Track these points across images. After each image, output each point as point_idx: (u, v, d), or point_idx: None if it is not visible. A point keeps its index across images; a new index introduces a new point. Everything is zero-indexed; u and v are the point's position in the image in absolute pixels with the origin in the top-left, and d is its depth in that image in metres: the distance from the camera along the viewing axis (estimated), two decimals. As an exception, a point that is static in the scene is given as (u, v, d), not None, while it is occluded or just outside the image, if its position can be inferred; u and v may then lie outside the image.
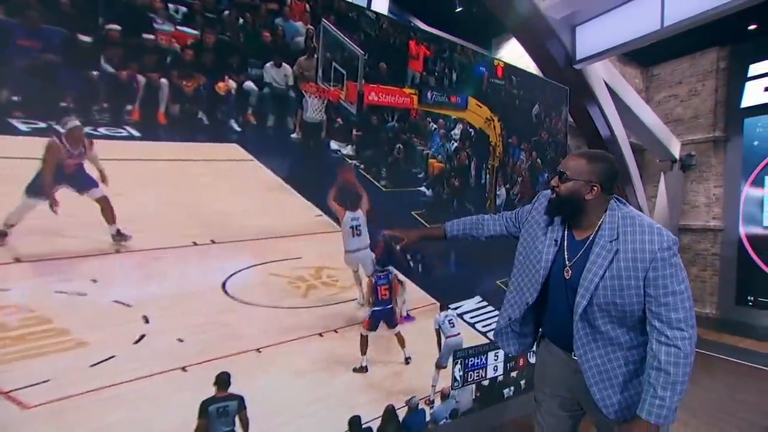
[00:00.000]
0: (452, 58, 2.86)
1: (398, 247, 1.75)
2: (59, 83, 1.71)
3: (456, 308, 2.87)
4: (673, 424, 1.40)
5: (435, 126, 2.79)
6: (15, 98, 1.65)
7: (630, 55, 8.06)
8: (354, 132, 2.48)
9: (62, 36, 1.71)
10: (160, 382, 1.86)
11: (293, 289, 2.28)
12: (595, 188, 1.32)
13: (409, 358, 2.59)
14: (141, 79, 1.84)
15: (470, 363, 2.86)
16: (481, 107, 2.98)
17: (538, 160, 3.46)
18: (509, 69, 3.18)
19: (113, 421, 1.75)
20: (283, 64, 2.21)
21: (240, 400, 2.05)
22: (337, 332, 2.40)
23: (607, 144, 6.14)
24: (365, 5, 3.65)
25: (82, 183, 1.74)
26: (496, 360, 3.02)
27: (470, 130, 2.95)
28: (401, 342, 2.58)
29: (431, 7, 7.39)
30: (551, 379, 1.54)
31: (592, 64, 5.38)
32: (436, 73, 2.78)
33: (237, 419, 2.04)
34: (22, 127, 1.66)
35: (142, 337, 1.84)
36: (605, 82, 5.90)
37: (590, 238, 1.34)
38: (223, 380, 2.00)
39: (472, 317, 2.96)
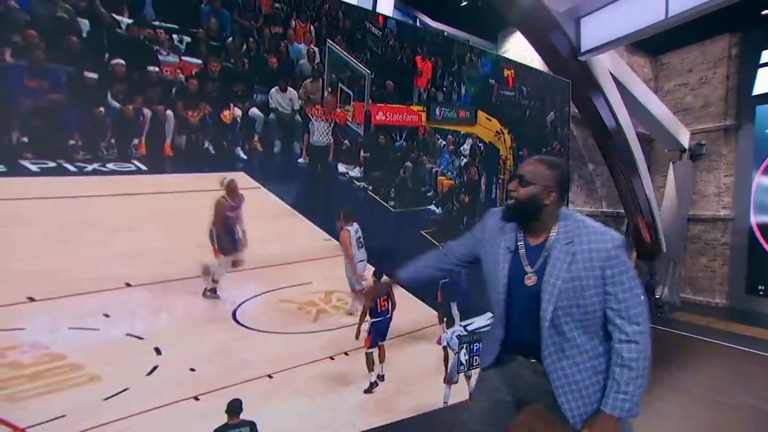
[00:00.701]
0: (461, 71, 2.77)
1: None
2: (66, 121, 1.71)
3: (466, 325, 2.80)
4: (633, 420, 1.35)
5: (444, 142, 2.71)
6: (24, 139, 1.65)
7: (638, 45, 7.77)
8: (362, 153, 2.42)
9: (68, 74, 1.70)
10: (173, 411, 1.86)
11: (304, 314, 2.26)
12: (553, 193, 1.34)
13: (383, 376, 2.47)
14: (147, 112, 1.83)
15: (475, 348, 2.79)
16: (490, 120, 2.88)
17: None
18: (519, 76, 3.06)
19: (128, 454, 1.75)
20: (289, 88, 2.17)
21: (252, 426, 2.03)
22: (347, 354, 2.36)
23: (613, 134, 5.96)
24: (370, 7, 3.57)
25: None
26: None
27: (480, 144, 2.86)
28: (382, 357, 2.47)
29: (437, 2, 7.25)
30: (499, 388, 1.49)
31: (596, 55, 5.20)
32: (444, 88, 2.70)
33: None
34: (32, 167, 1.66)
35: (155, 368, 1.84)
36: (611, 73, 5.70)
37: (546, 243, 1.35)
38: (234, 407, 1.98)
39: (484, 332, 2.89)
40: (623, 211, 7.11)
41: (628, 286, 1.27)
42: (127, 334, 1.80)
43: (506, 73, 2.98)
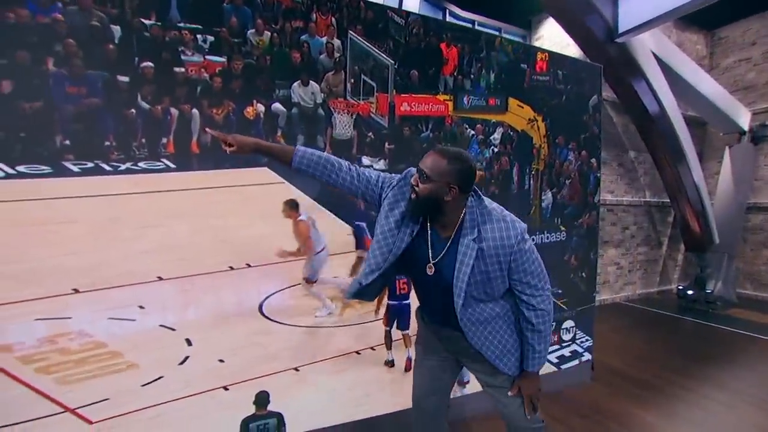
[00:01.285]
0: (489, 56, 2.62)
1: (228, 152, 1.37)
2: (102, 124, 1.77)
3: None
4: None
5: (473, 132, 2.59)
6: (66, 142, 1.73)
7: (690, 19, 7.03)
8: (386, 145, 2.35)
9: (103, 79, 1.76)
10: (204, 400, 1.91)
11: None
12: (454, 190, 1.29)
13: (410, 358, 2.36)
14: (174, 111, 1.86)
15: None
16: (522, 107, 2.71)
17: (592, 160, 3.11)
18: (554, 61, 2.85)
19: (163, 438, 1.83)
20: (311, 82, 2.13)
21: (279, 417, 2.05)
22: (374, 350, 2.33)
23: (656, 120, 5.48)
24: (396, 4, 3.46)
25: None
26: None
27: (511, 133, 2.70)
28: (407, 343, 2.39)
29: (466, -9, 6.98)
30: (434, 345, 1.62)
31: (636, 35, 4.77)
32: (472, 75, 2.56)
33: None
34: (74, 168, 1.74)
35: (186, 358, 1.90)
36: (654, 54, 5.22)
37: (452, 237, 1.36)
38: (262, 399, 2.01)
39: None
40: (668, 200, 6.58)
41: (531, 269, 1.37)
42: (161, 325, 1.86)
43: (539, 56, 2.78)
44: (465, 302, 1.36)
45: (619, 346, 4.27)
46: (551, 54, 2.88)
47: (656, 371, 3.53)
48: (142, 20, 1.83)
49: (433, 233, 1.38)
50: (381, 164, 2.35)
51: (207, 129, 1.49)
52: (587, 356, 3.18)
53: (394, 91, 2.33)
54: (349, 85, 2.22)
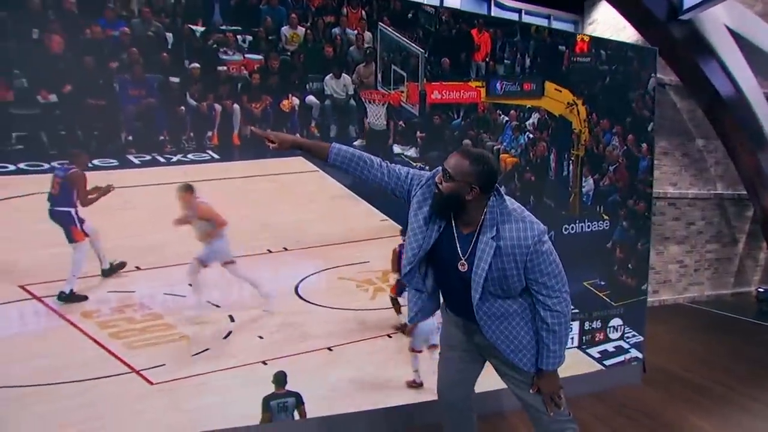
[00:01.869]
0: (525, 40, 2.52)
1: (270, 148, 1.51)
2: (158, 121, 1.98)
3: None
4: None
5: (506, 118, 2.52)
6: (129, 138, 1.95)
7: None
8: (418, 133, 2.37)
9: (159, 81, 1.96)
10: (245, 372, 2.06)
11: (361, 291, 2.31)
12: (475, 190, 1.34)
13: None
14: (218, 107, 2.03)
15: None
16: (560, 92, 2.59)
17: (643, 144, 2.87)
18: (596, 42, 2.68)
19: (208, 403, 2.00)
20: (343, 74, 2.20)
21: (298, 396, 2.14)
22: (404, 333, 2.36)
23: (729, 103, 4.88)
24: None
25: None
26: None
27: (548, 118, 2.59)
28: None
29: (514, -20, 6.75)
30: (457, 338, 1.64)
31: (705, 10, 4.28)
32: (505, 61, 2.49)
33: (296, 413, 2.14)
34: (135, 161, 1.97)
35: (230, 333, 2.06)
36: (728, 28, 4.66)
37: (475, 235, 1.40)
38: (280, 379, 2.11)
39: None
40: (746, 192, 5.86)
41: (547, 271, 1.37)
42: (207, 302, 2.04)
43: (579, 37, 2.63)
44: (482, 297, 1.41)
45: (679, 349, 3.92)
46: (593, 37, 2.71)
47: (719, 378, 3.18)
48: (191, 26, 2.01)
49: (458, 230, 1.43)
50: (412, 152, 2.36)
51: (251, 129, 1.66)
52: (634, 353, 2.95)
53: (425, 79, 2.33)
54: (379, 76, 2.27)
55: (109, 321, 1.95)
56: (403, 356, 2.34)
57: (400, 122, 2.34)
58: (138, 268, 2.00)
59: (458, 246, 1.42)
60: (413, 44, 2.30)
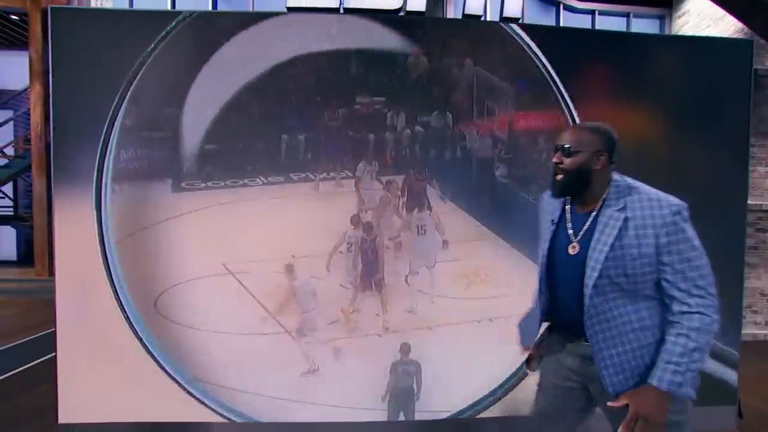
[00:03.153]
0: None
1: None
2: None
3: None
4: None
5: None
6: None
7: None
8: (503, 154, 2.79)
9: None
10: (367, 341, 2.67)
11: (460, 282, 2.79)
12: (603, 157, 1.23)
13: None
14: (371, 136, 2.65)
15: None
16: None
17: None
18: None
19: (336, 362, 2.63)
20: (447, 112, 2.71)
21: (418, 365, 2.69)
22: (492, 321, 2.80)
23: None
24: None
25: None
26: None
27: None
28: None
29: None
30: (557, 366, 1.39)
31: None
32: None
33: (415, 379, 2.68)
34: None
35: (358, 310, 2.68)
36: None
37: (595, 210, 1.25)
38: (406, 347, 2.68)
39: None
40: None
41: (687, 257, 1.13)
42: (340, 285, 2.68)
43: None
44: (597, 286, 1.20)
45: None
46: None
47: None
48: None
49: (572, 212, 1.31)
50: (501, 170, 2.80)
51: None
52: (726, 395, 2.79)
53: (514, 110, 2.75)
54: (475, 109, 2.74)
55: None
56: (487, 343, 2.77)
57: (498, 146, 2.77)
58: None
59: (571, 226, 1.28)
60: (504, 82, 2.73)
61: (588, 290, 1.21)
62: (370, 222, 2.65)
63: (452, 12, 6.63)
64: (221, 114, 2.56)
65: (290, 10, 6.22)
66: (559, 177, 1.28)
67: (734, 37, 5.35)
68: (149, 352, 2.52)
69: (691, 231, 1.17)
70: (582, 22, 7.22)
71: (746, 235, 2.80)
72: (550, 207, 1.41)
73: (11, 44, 9.10)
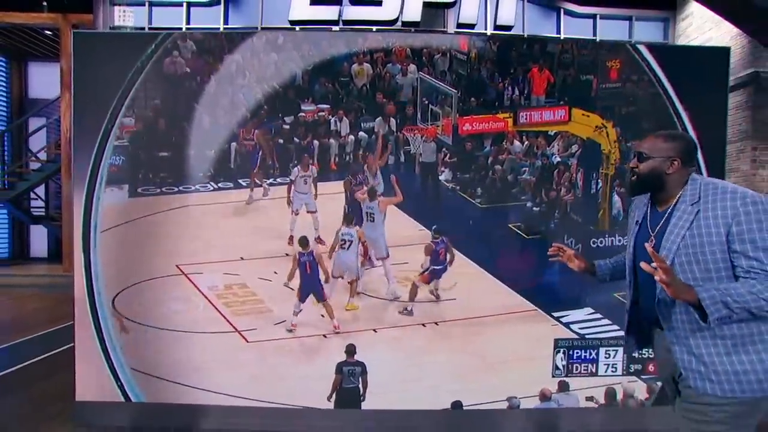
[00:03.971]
0: (554, 71, 2.75)
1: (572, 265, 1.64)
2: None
3: (561, 317, 2.77)
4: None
5: (528, 143, 2.77)
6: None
7: None
8: (448, 158, 2.78)
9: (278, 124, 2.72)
10: (311, 342, 2.71)
11: (402, 287, 2.80)
12: (676, 162, 1.31)
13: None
14: (315, 142, 2.72)
15: (575, 355, 2.72)
16: (588, 116, 2.74)
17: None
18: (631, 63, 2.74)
19: (284, 361, 2.70)
20: (390, 118, 2.74)
21: (363, 366, 2.70)
22: (437, 324, 2.78)
23: None
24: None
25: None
26: (609, 358, 2.74)
27: (574, 141, 2.77)
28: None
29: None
30: (661, 365, 1.50)
31: None
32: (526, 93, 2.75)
33: (360, 380, 2.70)
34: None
35: (300, 311, 2.73)
36: None
37: (671, 208, 1.33)
38: (351, 349, 2.69)
39: (581, 328, 2.78)
40: None
41: (763, 246, 1.14)
42: (285, 285, 2.74)
43: (610, 64, 2.75)
44: (671, 266, 1.21)
45: None
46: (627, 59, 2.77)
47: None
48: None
49: (653, 210, 1.40)
50: (446, 174, 2.79)
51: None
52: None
53: (458, 114, 2.74)
54: (418, 114, 2.74)
55: (222, 294, 2.77)
56: (440, 344, 2.75)
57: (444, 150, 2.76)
58: (242, 258, 2.79)
59: (649, 223, 1.37)
60: (448, 87, 2.72)
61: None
62: (305, 237, 2.71)
63: (452, 22, 6.60)
64: (174, 124, 2.70)
65: (292, 23, 6.42)
66: (634, 179, 1.39)
67: (738, 37, 5.14)
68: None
69: (763, 214, 1.17)
70: (583, 27, 7.01)
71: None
72: (635, 209, 1.51)
73: (46, 57, 9.81)
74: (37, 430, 2.72)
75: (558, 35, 6.84)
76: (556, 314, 2.78)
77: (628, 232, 1.50)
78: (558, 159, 2.78)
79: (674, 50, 2.67)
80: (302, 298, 2.71)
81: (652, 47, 2.84)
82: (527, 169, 2.78)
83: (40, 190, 10.15)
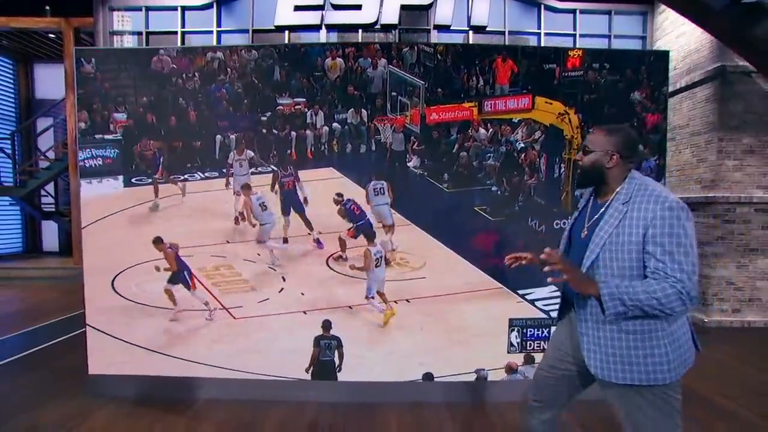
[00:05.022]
0: (517, 61, 2.84)
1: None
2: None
3: (525, 294, 2.89)
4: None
5: (495, 131, 2.88)
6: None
7: None
8: (416, 146, 2.89)
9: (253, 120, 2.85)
10: (291, 318, 2.85)
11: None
12: (615, 156, 1.34)
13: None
14: (293, 133, 2.84)
15: (528, 333, 2.86)
16: (551, 104, 2.84)
17: (645, 147, 2.94)
18: (592, 55, 2.85)
19: (267, 336, 2.85)
20: (362, 110, 2.84)
21: (339, 340, 2.85)
22: (409, 302, 2.91)
23: None
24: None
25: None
26: None
27: (538, 128, 2.87)
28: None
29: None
30: (559, 340, 1.57)
31: None
32: (493, 82, 2.85)
33: (336, 353, 2.85)
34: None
35: (282, 289, 2.87)
36: None
37: (608, 202, 1.38)
38: (327, 324, 2.84)
39: (545, 305, 2.90)
40: None
41: (669, 250, 1.20)
42: (269, 266, 2.88)
43: (572, 53, 2.83)
44: (594, 264, 1.33)
45: (734, 377, 3.43)
46: (589, 50, 2.88)
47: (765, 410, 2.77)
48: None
49: (594, 201, 1.45)
50: (415, 161, 2.90)
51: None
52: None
53: (425, 104, 2.84)
54: (388, 105, 2.85)
55: (210, 274, 2.93)
56: (409, 320, 2.89)
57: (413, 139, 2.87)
58: (228, 242, 2.94)
59: (588, 213, 1.42)
60: (415, 78, 2.82)
61: (583, 269, 1.35)
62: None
63: (433, 23, 6.63)
64: (164, 119, 2.84)
65: (278, 28, 6.52)
66: (579, 171, 1.45)
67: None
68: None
69: (681, 228, 1.22)
70: (564, 22, 7.01)
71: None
72: (582, 198, 1.57)
73: (50, 58, 9.95)
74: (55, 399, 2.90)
75: (539, 31, 6.87)
76: (521, 292, 2.90)
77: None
78: (522, 145, 2.88)
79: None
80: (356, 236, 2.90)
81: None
82: (492, 155, 2.89)
83: (50, 187, 10.36)
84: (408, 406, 2.79)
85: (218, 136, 2.88)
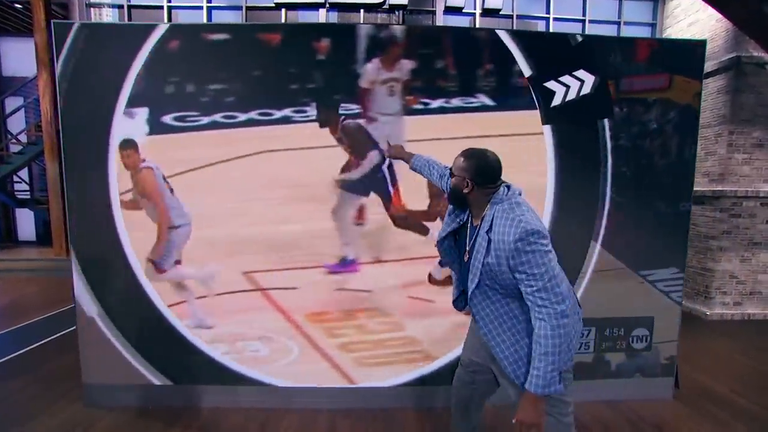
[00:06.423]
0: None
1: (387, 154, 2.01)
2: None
3: (647, 275, 2.68)
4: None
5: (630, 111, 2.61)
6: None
7: None
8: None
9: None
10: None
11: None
12: (469, 183, 1.34)
13: None
14: None
15: None
16: (689, 83, 2.59)
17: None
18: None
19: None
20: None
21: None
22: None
23: None
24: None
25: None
26: (583, 337, 2.69)
27: (672, 108, 2.62)
28: None
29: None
30: (469, 347, 1.62)
31: None
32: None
33: None
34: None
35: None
36: None
37: (477, 228, 1.38)
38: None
39: (666, 286, 2.70)
40: None
41: (531, 273, 1.24)
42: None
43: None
44: (479, 286, 1.36)
45: (740, 371, 3.38)
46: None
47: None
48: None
49: (471, 223, 1.43)
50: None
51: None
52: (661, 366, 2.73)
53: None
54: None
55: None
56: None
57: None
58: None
59: (467, 237, 1.41)
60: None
61: (470, 291, 1.39)
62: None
63: (440, 5, 6.23)
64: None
65: (277, 6, 5.93)
66: (447, 192, 1.48)
67: (722, 20, 4.96)
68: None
69: (536, 252, 1.24)
70: (573, 7, 6.75)
71: (691, 215, 2.75)
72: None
73: (18, 31, 8.91)
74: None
75: (548, 15, 6.60)
76: (643, 272, 2.66)
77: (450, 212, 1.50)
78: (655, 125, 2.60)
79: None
80: None
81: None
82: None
83: (24, 174, 9.48)
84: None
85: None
